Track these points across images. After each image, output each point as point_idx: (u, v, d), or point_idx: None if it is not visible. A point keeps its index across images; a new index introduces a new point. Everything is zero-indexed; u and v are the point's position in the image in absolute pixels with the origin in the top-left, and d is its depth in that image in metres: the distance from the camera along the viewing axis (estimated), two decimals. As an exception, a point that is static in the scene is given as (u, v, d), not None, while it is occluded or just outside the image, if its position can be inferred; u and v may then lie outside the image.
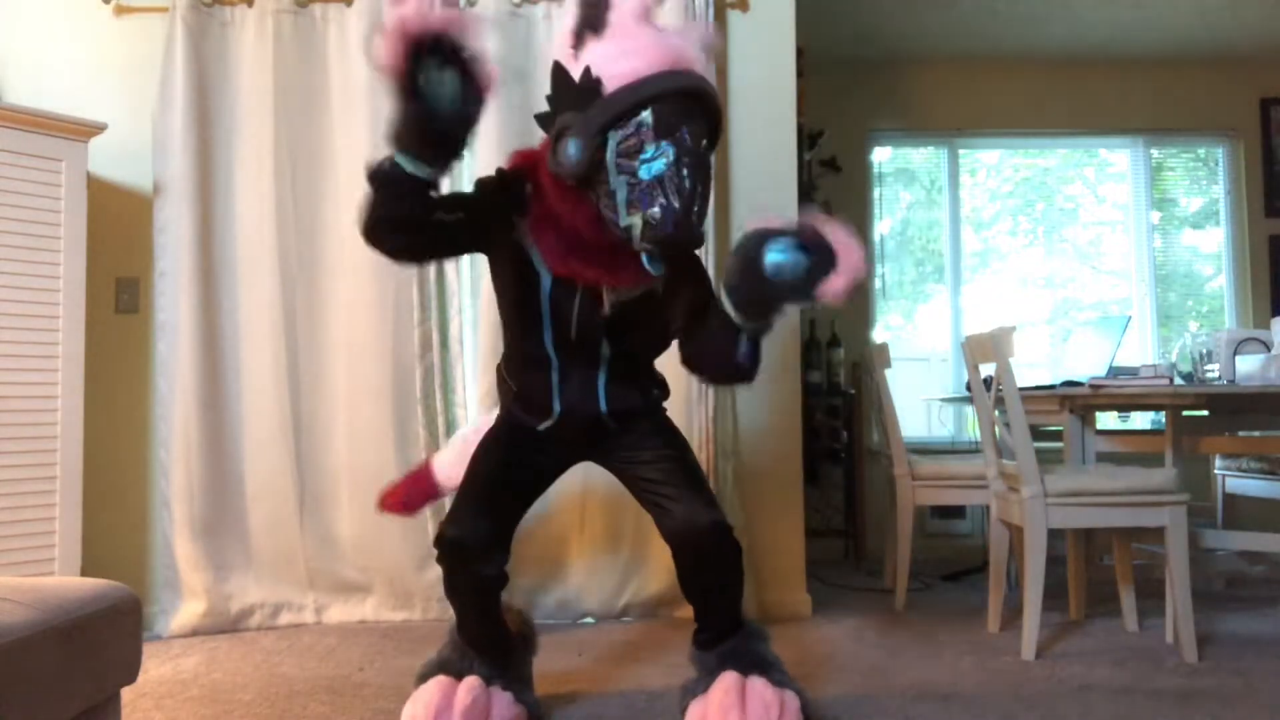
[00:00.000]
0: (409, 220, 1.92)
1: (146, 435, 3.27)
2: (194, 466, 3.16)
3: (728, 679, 2.04)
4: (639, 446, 2.17)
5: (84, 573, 2.84)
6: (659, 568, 3.27)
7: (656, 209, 1.80)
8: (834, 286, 1.84)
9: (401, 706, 2.20)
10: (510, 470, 2.14)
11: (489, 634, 2.17)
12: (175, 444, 3.16)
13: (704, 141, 1.88)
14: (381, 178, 1.87)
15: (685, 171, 1.81)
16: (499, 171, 2.08)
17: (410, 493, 2.42)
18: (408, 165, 1.81)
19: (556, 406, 2.12)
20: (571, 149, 1.83)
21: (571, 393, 2.11)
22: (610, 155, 1.83)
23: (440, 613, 3.25)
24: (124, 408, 3.26)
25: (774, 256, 1.84)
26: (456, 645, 2.18)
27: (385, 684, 2.51)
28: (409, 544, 3.22)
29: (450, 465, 2.35)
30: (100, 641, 1.51)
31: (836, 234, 1.87)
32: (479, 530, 2.03)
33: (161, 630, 3.12)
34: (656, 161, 1.80)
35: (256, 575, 3.22)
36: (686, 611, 3.18)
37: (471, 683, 2.07)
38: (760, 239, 1.87)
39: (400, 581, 3.24)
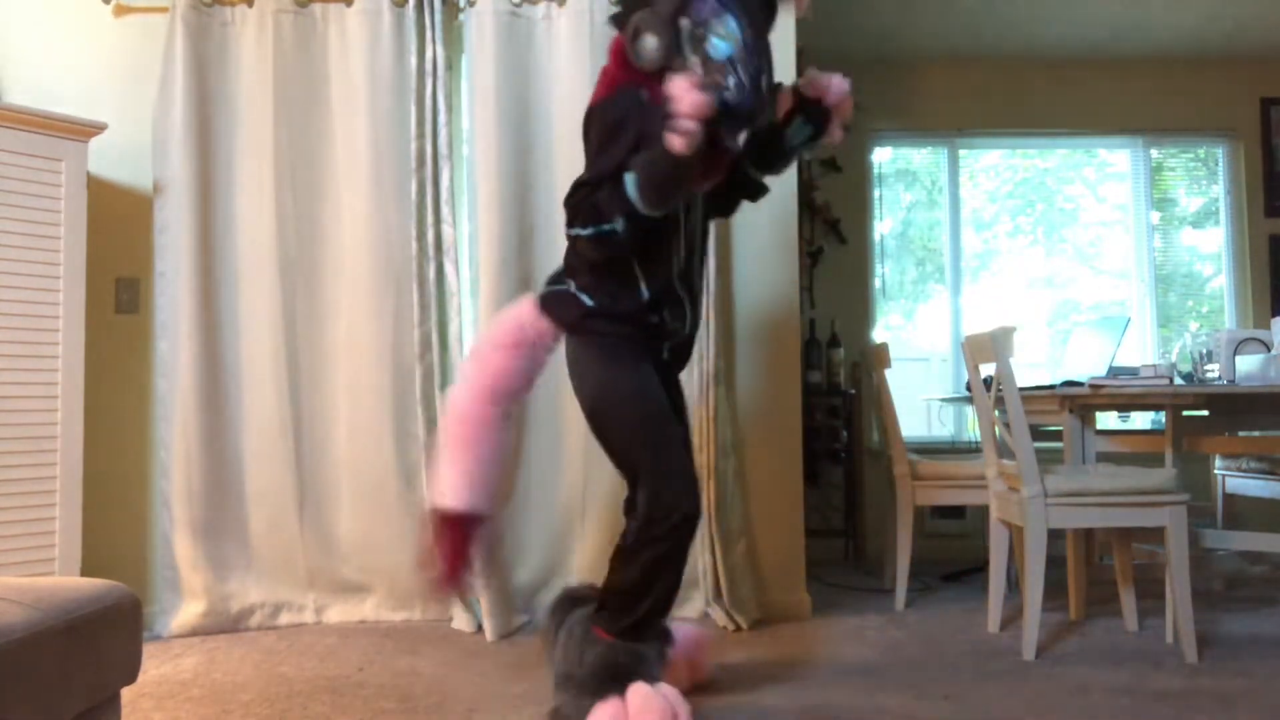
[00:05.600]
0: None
1: (146, 435, 3.27)
2: (194, 466, 3.16)
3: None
4: (681, 397, 2.36)
5: (84, 573, 2.84)
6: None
7: (731, 86, 1.93)
8: (833, 137, 2.24)
9: (401, 706, 2.20)
10: (669, 409, 2.20)
11: (673, 599, 2.17)
12: (175, 444, 3.16)
13: (765, 19, 2.02)
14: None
15: (750, 48, 1.94)
16: (616, 96, 2.12)
17: (454, 554, 2.11)
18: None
19: (688, 314, 2.25)
20: (649, 42, 2.01)
21: (694, 303, 2.27)
22: (684, 41, 1.98)
23: (440, 613, 3.25)
24: (124, 408, 3.26)
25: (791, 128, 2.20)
26: (627, 650, 2.06)
27: (385, 684, 2.51)
28: (409, 544, 3.21)
29: (450, 485, 2.12)
30: (100, 641, 1.51)
31: (840, 97, 2.19)
32: (699, 499, 2.13)
33: (161, 630, 3.11)
34: (725, 42, 1.94)
35: (256, 575, 3.22)
36: (684, 612, 3.20)
37: (670, 690, 2.01)
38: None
39: (400, 581, 3.24)
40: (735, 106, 1.94)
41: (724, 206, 2.44)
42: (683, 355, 2.36)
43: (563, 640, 2.19)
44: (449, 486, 2.11)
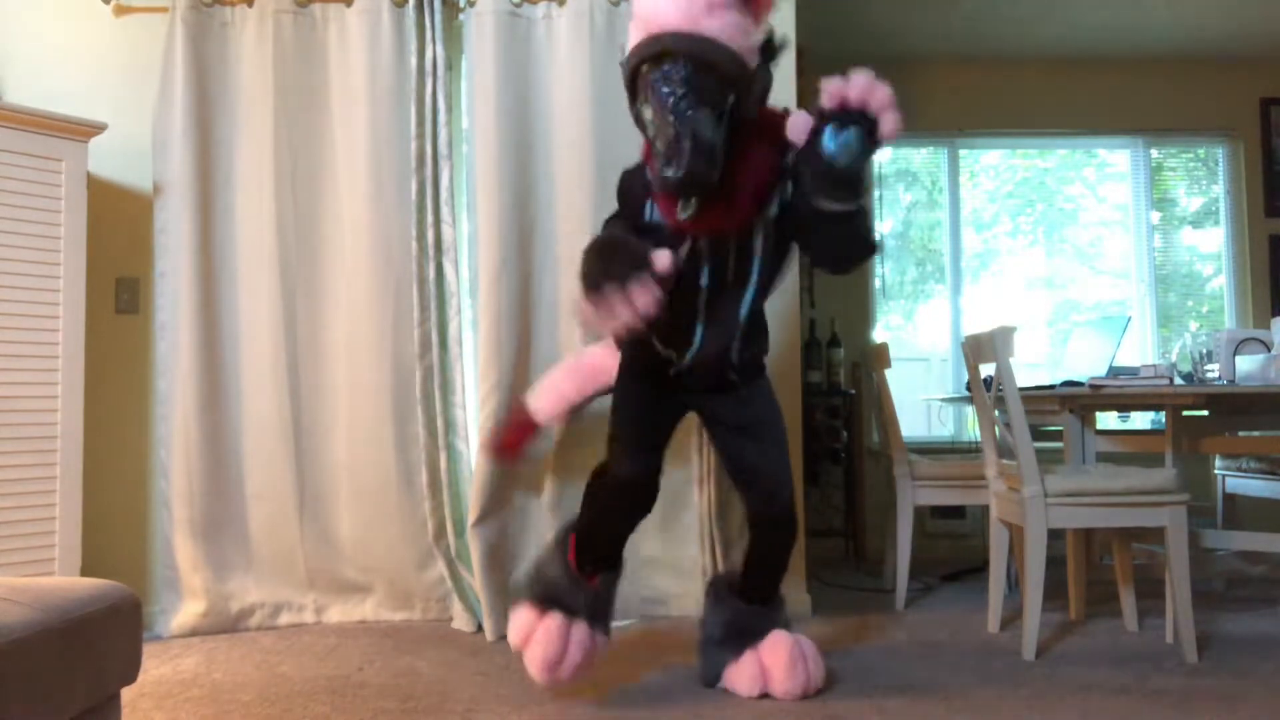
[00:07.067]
0: None
1: (146, 435, 3.27)
2: (194, 466, 3.16)
3: (780, 636, 2.40)
4: (750, 413, 2.40)
5: (84, 573, 2.84)
6: (658, 568, 3.27)
7: (659, 162, 2.03)
8: (887, 133, 2.06)
9: (401, 706, 2.20)
10: (654, 407, 2.41)
11: (617, 553, 2.46)
12: (175, 444, 3.16)
13: (680, 92, 2.01)
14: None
15: (672, 123, 2.00)
16: (623, 182, 2.41)
17: (518, 437, 2.70)
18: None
19: (698, 339, 2.29)
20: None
21: (713, 332, 2.30)
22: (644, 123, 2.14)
23: (440, 613, 3.25)
24: (124, 408, 3.26)
25: (827, 147, 2.06)
26: (569, 575, 2.40)
27: (385, 684, 2.51)
28: (409, 544, 3.22)
29: (543, 398, 2.67)
30: (100, 641, 1.51)
31: (863, 91, 2.06)
32: (647, 465, 2.37)
33: (161, 630, 3.11)
34: (649, 126, 2.08)
35: (256, 575, 3.22)
36: (684, 612, 3.21)
37: (584, 629, 2.35)
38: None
39: (400, 581, 3.24)
40: (667, 184, 2.04)
41: (825, 252, 2.28)
42: (707, 380, 2.37)
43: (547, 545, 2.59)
44: (544, 398, 2.66)
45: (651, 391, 2.41)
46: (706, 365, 2.33)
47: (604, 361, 2.60)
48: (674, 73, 2.02)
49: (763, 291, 2.33)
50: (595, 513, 2.43)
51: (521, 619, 2.37)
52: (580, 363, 2.70)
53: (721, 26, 2.03)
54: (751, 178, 2.17)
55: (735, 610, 2.47)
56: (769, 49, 2.15)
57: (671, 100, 2.01)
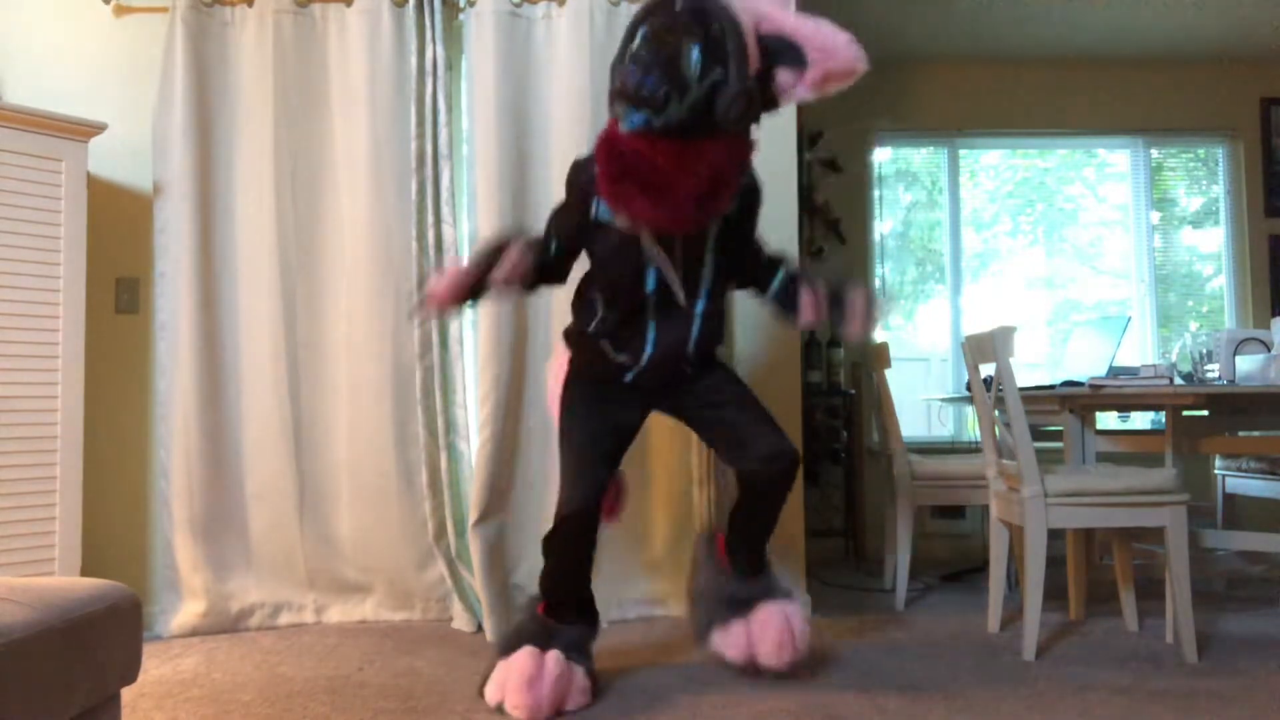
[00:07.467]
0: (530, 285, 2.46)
1: (146, 435, 3.27)
2: (194, 466, 3.16)
3: (770, 609, 2.45)
4: (718, 390, 2.45)
5: (84, 573, 2.84)
6: (656, 568, 3.27)
7: (629, 73, 2.04)
8: (852, 332, 2.39)
9: (401, 706, 2.20)
10: (600, 437, 2.39)
11: (584, 603, 2.44)
12: (175, 444, 3.16)
13: (678, 22, 2.05)
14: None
15: (654, 42, 2.04)
16: (567, 180, 2.41)
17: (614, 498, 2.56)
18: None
19: (649, 348, 2.35)
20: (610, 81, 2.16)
21: (666, 333, 2.35)
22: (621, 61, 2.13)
23: (440, 613, 3.25)
24: (124, 408, 3.26)
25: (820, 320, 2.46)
26: (537, 620, 2.39)
27: (385, 684, 2.51)
28: (409, 544, 3.22)
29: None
30: (100, 641, 1.51)
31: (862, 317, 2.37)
32: (597, 483, 2.32)
33: (161, 630, 3.11)
34: (635, 44, 2.08)
35: (256, 575, 3.22)
36: (684, 611, 3.20)
37: (558, 654, 2.29)
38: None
39: (400, 581, 3.24)
40: (624, 86, 2.04)
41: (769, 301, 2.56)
42: (662, 378, 2.44)
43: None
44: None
45: (602, 422, 2.41)
46: (662, 366, 2.38)
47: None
48: (680, 12, 2.06)
49: (715, 298, 2.41)
50: (556, 559, 2.38)
51: (494, 675, 2.32)
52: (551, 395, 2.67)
53: (745, 18, 2.09)
54: (706, 184, 2.14)
55: (724, 579, 2.55)
56: (769, 85, 2.14)
57: (673, 20, 2.04)
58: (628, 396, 2.45)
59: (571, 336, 2.49)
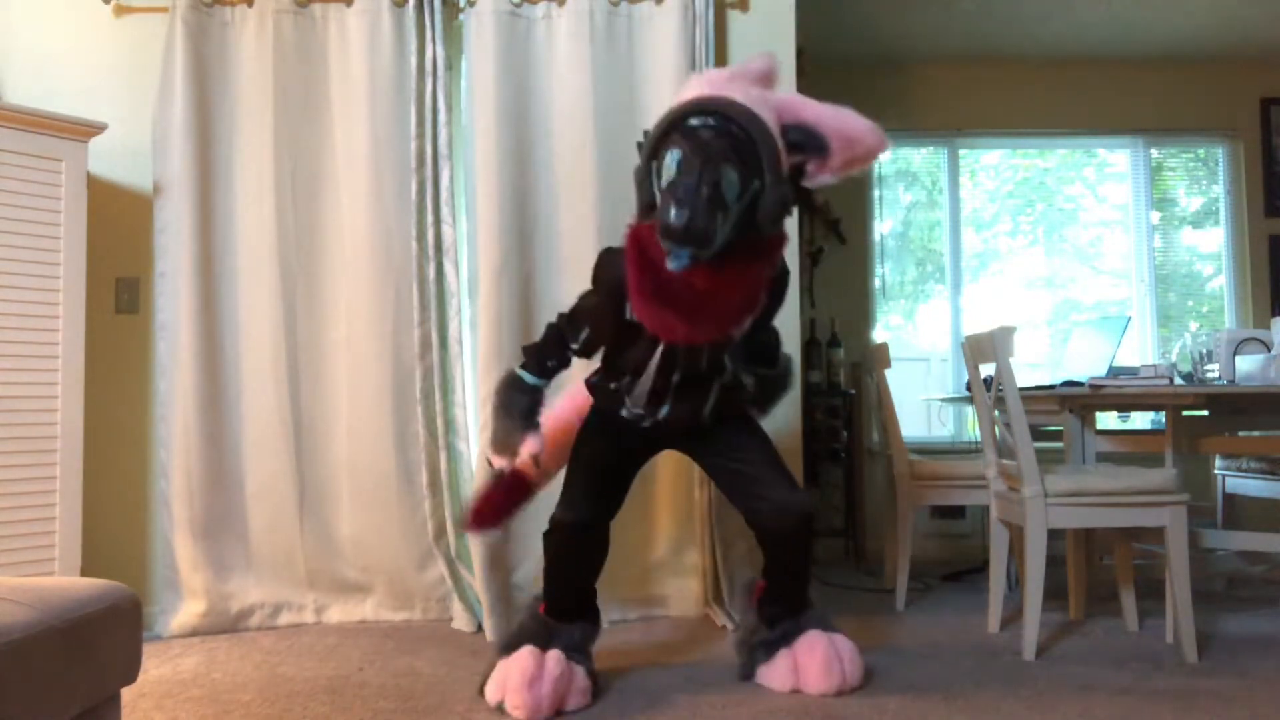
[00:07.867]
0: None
1: (146, 435, 3.27)
2: (194, 466, 3.16)
3: (815, 636, 2.42)
4: (734, 443, 2.43)
5: (84, 573, 2.84)
6: (659, 568, 3.27)
7: (669, 209, 1.94)
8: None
9: (401, 706, 2.20)
10: (611, 456, 2.43)
11: (585, 605, 2.47)
12: (175, 444, 3.16)
13: (717, 142, 1.99)
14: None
15: (698, 166, 1.96)
16: (595, 273, 2.33)
17: (502, 501, 2.52)
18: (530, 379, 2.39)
19: (665, 411, 2.34)
20: (637, 191, 2.13)
21: (683, 400, 2.34)
22: (653, 178, 2.09)
23: (440, 613, 3.25)
24: (124, 408, 3.26)
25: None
26: (538, 619, 2.42)
27: (385, 684, 2.51)
28: (409, 544, 3.22)
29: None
30: (100, 641, 1.51)
31: None
32: (595, 512, 2.39)
33: (161, 630, 3.11)
34: (668, 170, 2.00)
35: (256, 575, 3.22)
36: (684, 612, 3.21)
37: (558, 654, 2.31)
38: None
39: (400, 581, 3.24)
40: (669, 227, 1.93)
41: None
42: (679, 428, 2.42)
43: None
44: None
45: (615, 446, 2.43)
46: (677, 425, 2.38)
47: (569, 412, 2.60)
48: (716, 125, 2.01)
49: (736, 373, 2.38)
50: (551, 562, 2.42)
51: (494, 674, 2.33)
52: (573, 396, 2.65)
53: (768, 116, 2.04)
54: (741, 295, 2.13)
55: (761, 628, 2.52)
56: (799, 179, 2.11)
57: (706, 146, 1.97)
58: (645, 432, 2.42)
59: (591, 385, 2.45)
